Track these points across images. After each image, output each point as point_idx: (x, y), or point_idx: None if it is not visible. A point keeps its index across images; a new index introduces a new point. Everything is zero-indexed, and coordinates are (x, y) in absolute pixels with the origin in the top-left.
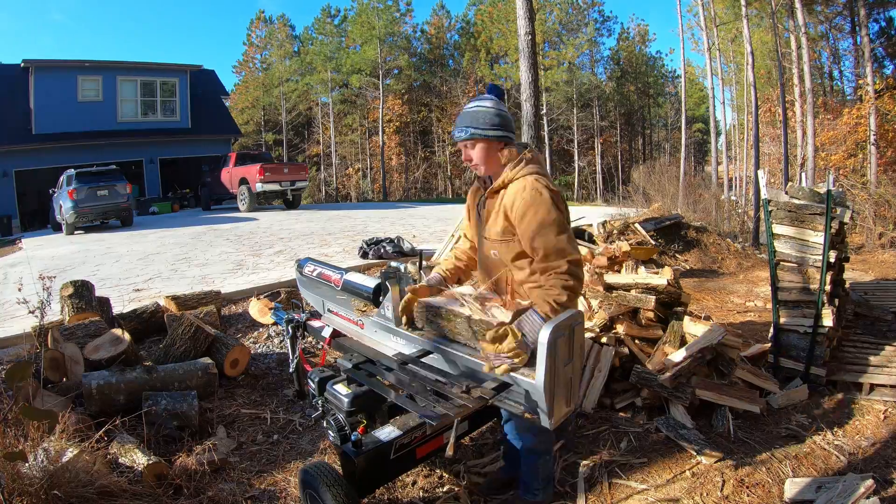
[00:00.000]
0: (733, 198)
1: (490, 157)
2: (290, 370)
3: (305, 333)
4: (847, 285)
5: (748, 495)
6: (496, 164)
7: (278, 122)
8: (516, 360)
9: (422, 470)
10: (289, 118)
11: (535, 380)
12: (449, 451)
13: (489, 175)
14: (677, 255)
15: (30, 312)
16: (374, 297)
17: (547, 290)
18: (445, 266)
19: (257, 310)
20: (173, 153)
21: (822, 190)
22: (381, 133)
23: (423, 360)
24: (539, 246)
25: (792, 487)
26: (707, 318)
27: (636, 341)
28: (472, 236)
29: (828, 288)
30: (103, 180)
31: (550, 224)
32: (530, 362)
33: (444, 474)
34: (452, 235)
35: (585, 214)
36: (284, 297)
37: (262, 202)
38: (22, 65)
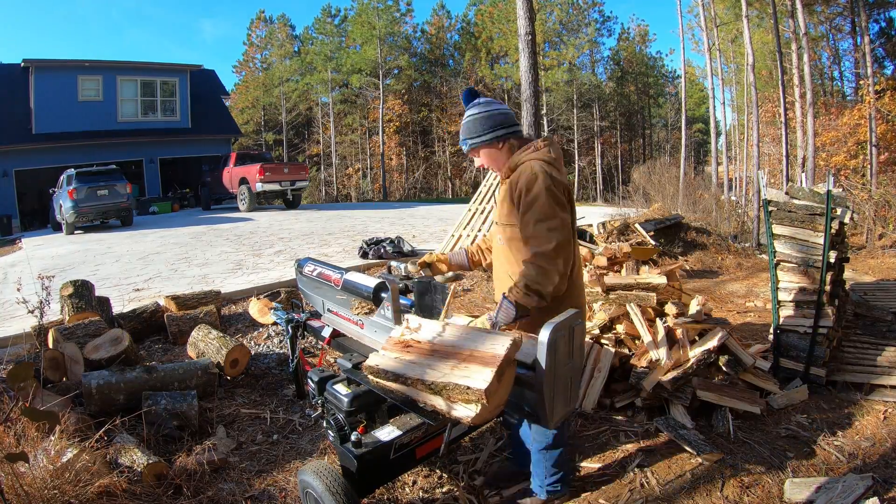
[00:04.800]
0: (733, 198)
1: (495, 158)
2: (290, 370)
3: (305, 333)
4: (847, 286)
5: (748, 496)
6: (504, 161)
7: (278, 122)
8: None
9: (422, 470)
10: (289, 118)
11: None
12: (442, 452)
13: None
14: (678, 256)
15: (29, 312)
16: (375, 296)
17: (519, 274)
18: (471, 248)
19: (257, 310)
20: (173, 153)
21: (823, 190)
22: (381, 133)
23: None
24: (523, 231)
25: (792, 488)
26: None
27: (636, 341)
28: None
29: (828, 288)
30: (103, 180)
31: (536, 210)
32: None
33: (444, 474)
34: (452, 235)
35: (586, 214)
36: (284, 297)
37: (262, 202)
38: (22, 65)
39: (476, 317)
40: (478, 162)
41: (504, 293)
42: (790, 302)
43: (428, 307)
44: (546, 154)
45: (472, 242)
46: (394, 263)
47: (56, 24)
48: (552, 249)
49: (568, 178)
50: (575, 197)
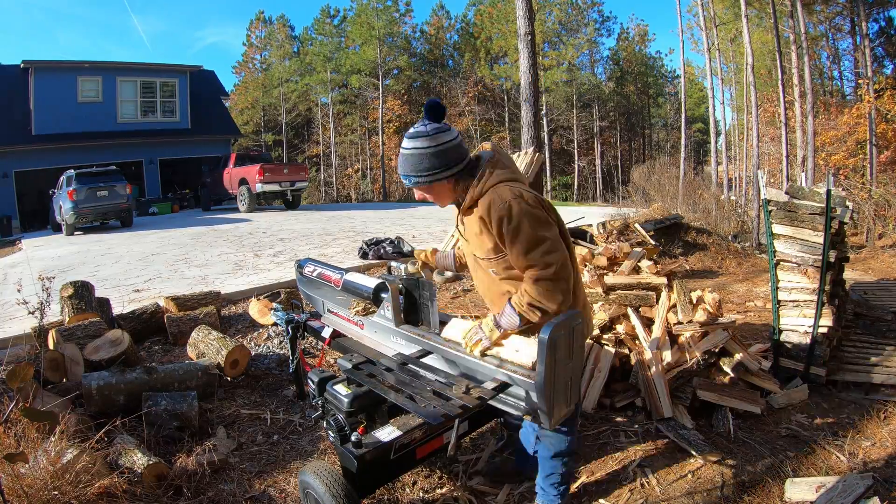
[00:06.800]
0: (733, 198)
1: (442, 193)
2: (290, 371)
3: (305, 334)
4: (847, 285)
5: (748, 495)
6: (452, 195)
7: (278, 122)
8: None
9: (422, 470)
10: (288, 118)
11: (534, 380)
12: (451, 452)
13: (452, 202)
14: (678, 256)
15: (30, 313)
16: (375, 297)
17: (521, 292)
18: (459, 252)
19: (257, 310)
20: (173, 154)
21: (822, 190)
22: (380, 133)
23: (423, 360)
24: (517, 262)
25: (792, 487)
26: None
27: (636, 341)
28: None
29: (828, 288)
30: (103, 181)
31: (522, 239)
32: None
33: (444, 474)
34: (452, 236)
35: (585, 214)
36: (284, 297)
37: (262, 203)
38: (22, 65)
39: (477, 317)
40: (418, 194)
41: (510, 300)
42: (790, 302)
43: (415, 304)
44: (505, 173)
45: (455, 245)
46: (394, 264)
47: None
48: (553, 273)
49: (534, 187)
50: (574, 197)
